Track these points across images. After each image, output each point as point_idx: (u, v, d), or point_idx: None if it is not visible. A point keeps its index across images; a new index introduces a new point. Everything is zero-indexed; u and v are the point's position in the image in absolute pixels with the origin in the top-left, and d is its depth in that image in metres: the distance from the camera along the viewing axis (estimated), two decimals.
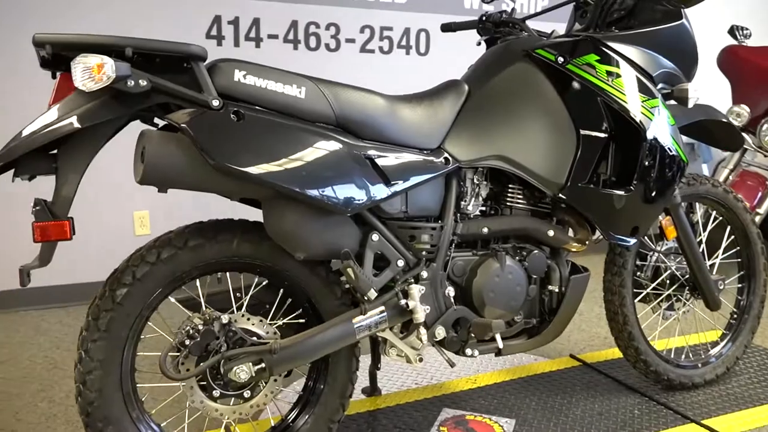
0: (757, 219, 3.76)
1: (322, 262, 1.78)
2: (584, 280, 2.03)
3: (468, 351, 1.88)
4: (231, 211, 2.57)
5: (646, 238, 2.36)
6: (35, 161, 1.47)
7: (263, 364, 1.64)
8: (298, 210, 1.61)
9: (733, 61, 3.93)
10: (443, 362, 2.64)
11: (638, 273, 2.39)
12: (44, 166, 1.48)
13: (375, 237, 1.74)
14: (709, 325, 2.89)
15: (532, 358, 2.72)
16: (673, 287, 2.40)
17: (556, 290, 2.00)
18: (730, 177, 3.89)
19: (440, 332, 1.83)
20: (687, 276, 2.37)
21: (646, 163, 1.94)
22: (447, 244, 1.85)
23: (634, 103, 1.91)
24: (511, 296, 1.90)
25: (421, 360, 1.85)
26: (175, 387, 1.70)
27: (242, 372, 1.62)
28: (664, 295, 2.40)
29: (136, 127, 1.61)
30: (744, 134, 3.56)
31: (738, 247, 2.54)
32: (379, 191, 1.68)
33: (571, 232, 2.03)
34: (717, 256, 2.54)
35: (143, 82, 1.42)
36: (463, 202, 1.92)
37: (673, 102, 2.08)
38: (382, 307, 1.76)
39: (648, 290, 2.39)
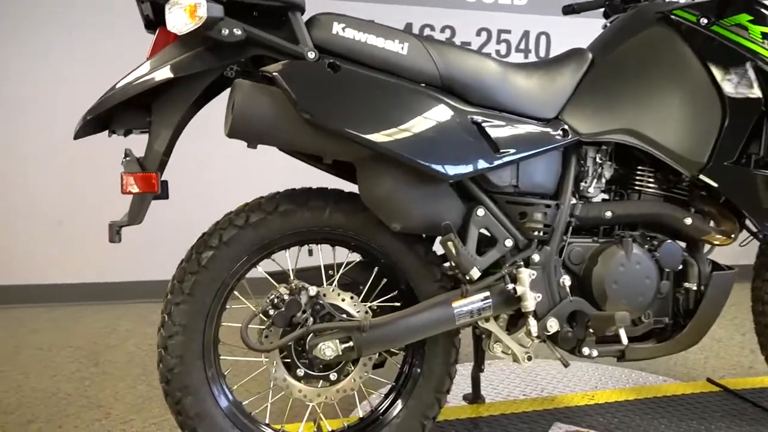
0: None
1: (422, 240, 1.62)
2: (729, 278, 1.72)
3: (585, 350, 1.63)
4: None
5: None
6: (130, 115, 1.45)
7: (351, 343, 1.49)
8: (395, 174, 1.47)
9: None
10: (555, 374, 2.38)
11: None
12: (139, 121, 1.46)
13: (480, 212, 1.56)
14: None
15: (661, 378, 2.38)
16: None
17: (694, 288, 1.71)
18: None
19: (552, 325, 1.60)
20: None
21: None
22: (563, 226, 1.64)
23: None
24: (638, 290, 1.64)
25: (530, 359, 1.63)
26: (259, 363, 1.59)
27: (328, 349, 1.48)
28: None
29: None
30: None
31: None
32: (486, 160, 1.50)
33: (712, 224, 1.74)
34: None
35: (238, 31, 1.35)
36: (583, 183, 1.70)
37: None
38: (487, 293, 1.56)
39: None
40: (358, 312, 1.56)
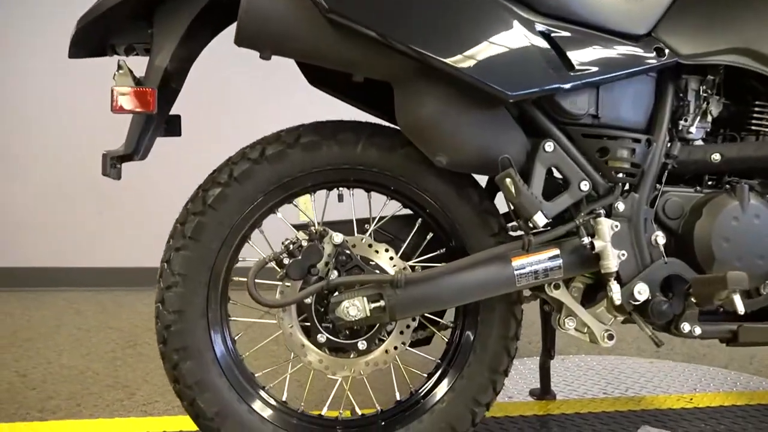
0: None
1: (475, 184, 1.32)
2: None
3: (684, 326, 1.27)
4: None
5: None
6: (130, 28, 1.26)
7: (382, 302, 1.20)
8: (443, 94, 1.19)
9: None
10: (643, 372, 2.00)
11: None
12: (140, 35, 1.26)
13: (549, 146, 1.25)
14: None
15: None
16: None
17: None
18: None
19: (642, 292, 1.26)
20: None
21: None
22: (657, 168, 1.30)
23: None
24: (757, 249, 1.28)
25: (611, 338, 1.30)
26: (276, 327, 1.32)
27: (353, 308, 1.19)
28: None
29: None
30: None
31: None
32: (556, 77, 1.19)
33: None
34: None
35: None
36: (682, 122, 1.36)
37: None
38: (556, 250, 1.24)
39: None
40: (394, 268, 1.28)
